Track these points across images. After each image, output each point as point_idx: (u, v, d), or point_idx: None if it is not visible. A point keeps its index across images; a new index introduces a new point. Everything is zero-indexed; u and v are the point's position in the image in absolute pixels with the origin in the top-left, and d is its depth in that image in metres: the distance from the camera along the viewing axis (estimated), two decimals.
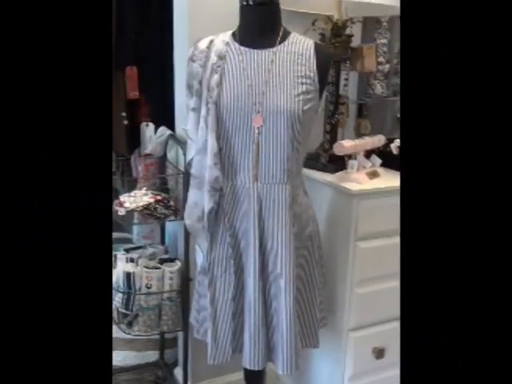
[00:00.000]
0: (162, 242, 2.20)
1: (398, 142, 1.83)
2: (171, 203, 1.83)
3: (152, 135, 2.09)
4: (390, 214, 1.61)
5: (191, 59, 1.43)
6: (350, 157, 1.73)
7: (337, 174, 1.73)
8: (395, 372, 1.80)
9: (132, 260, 1.87)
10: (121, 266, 1.83)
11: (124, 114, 2.38)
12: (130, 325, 1.87)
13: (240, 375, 1.74)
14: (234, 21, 1.45)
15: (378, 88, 2.12)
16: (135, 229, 2.30)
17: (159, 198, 1.82)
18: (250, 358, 1.44)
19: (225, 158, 1.41)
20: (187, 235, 1.79)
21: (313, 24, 1.76)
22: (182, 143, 1.77)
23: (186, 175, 1.65)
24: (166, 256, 1.98)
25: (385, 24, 2.10)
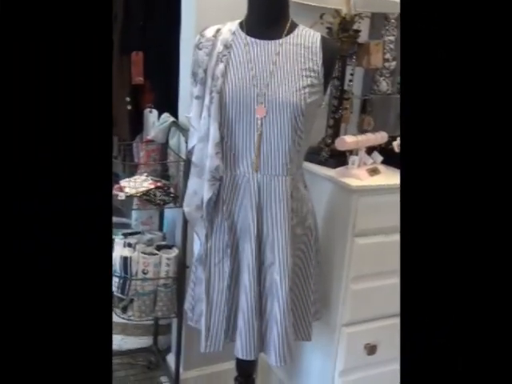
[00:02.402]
0: (161, 228, 2.21)
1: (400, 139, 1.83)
2: (171, 190, 1.84)
3: (155, 121, 2.09)
4: (389, 212, 1.62)
5: (197, 47, 1.43)
6: (351, 152, 1.73)
7: (337, 169, 1.72)
8: (386, 369, 1.82)
9: (130, 245, 1.88)
10: (118, 251, 1.84)
11: (128, 98, 2.37)
12: (124, 309, 1.88)
13: (232, 364, 1.75)
14: (242, 10, 1.44)
15: (383, 85, 2.11)
16: (134, 214, 2.31)
17: (159, 184, 1.83)
18: (242, 348, 1.45)
19: (226, 147, 1.41)
20: (185, 222, 1.79)
21: (320, 17, 1.75)
22: (185, 131, 1.77)
23: (187, 163, 1.65)
24: (163, 242, 1.98)
25: (393, 21, 2.08)
